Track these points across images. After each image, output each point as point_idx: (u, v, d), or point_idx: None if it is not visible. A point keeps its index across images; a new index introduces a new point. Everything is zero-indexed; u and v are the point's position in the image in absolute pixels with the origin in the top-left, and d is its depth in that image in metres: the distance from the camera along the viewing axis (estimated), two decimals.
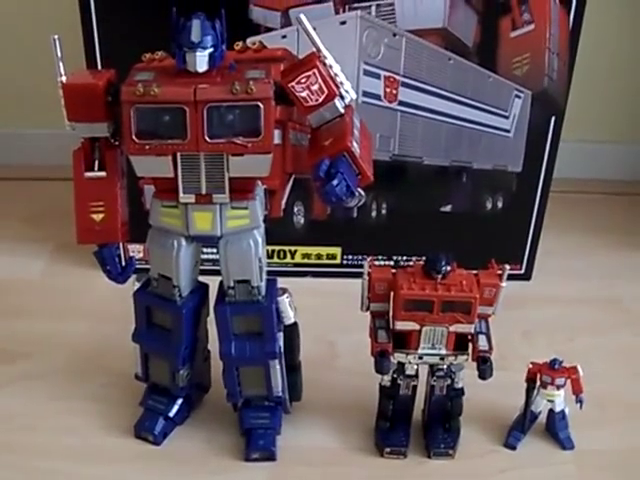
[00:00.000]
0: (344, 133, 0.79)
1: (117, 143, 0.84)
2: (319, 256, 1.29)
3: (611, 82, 1.55)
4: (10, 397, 1.04)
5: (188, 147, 0.79)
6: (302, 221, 1.24)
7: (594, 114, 1.56)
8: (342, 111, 0.80)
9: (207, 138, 0.78)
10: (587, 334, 1.19)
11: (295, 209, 1.23)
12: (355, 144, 0.78)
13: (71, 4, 1.09)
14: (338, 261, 1.29)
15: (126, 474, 0.94)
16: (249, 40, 0.99)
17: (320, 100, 0.79)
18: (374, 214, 1.24)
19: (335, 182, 0.76)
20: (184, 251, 0.87)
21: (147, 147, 0.78)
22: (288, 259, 1.29)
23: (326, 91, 0.79)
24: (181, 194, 0.83)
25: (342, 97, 0.80)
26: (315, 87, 0.79)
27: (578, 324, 1.21)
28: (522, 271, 1.30)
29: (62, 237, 1.32)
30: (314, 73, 0.78)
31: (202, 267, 0.93)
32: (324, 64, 0.78)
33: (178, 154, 0.80)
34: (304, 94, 0.79)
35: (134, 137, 0.78)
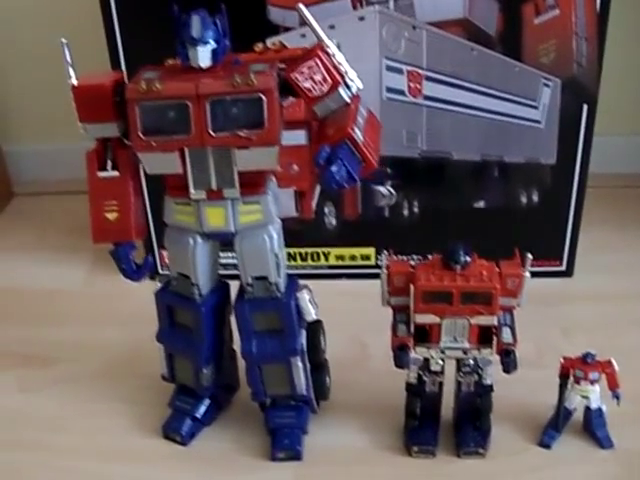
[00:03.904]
0: (346, 120, 0.78)
1: (129, 143, 0.85)
2: (353, 257, 1.27)
3: None
4: (45, 400, 1.07)
5: (193, 142, 0.79)
6: (334, 222, 1.23)
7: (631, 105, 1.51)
8: (348, 100, 0.79)
9: (211, 132, 0.78)
10: (630, 331, 1.14)
11: (326, 210, 1.22)
12: (357, 131, 0.77)
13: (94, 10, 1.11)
14: (372, 262, 1.27)
15: (154, 474, 0.94)
16: (269, 41, 1.00)
17: (325, 90, 0.79)
18: (406, 212, 1.21)
19: (334, 168, 0.76)
20: (200, 248, 0.87)
21: (153, 144, 0.79)
22: (322, 261, 1.28)
23: (330, 80, 0.78)
24: (192, 190, 0.83)
25: (347, 86, 0.79)
26: (318, 77, 0.78)
27: (621, 321, 1.17)
28: (563, 267, 1.25)
29: (102, 247, 1.34)
30: (316, 62, 0.78)
31: (225, 272, 0.93)
32: (326, 53, 0.78)
33: (186, 150, 0.80)
34: (307, 84, 0.78)
35: (140, 134, 0.79)
